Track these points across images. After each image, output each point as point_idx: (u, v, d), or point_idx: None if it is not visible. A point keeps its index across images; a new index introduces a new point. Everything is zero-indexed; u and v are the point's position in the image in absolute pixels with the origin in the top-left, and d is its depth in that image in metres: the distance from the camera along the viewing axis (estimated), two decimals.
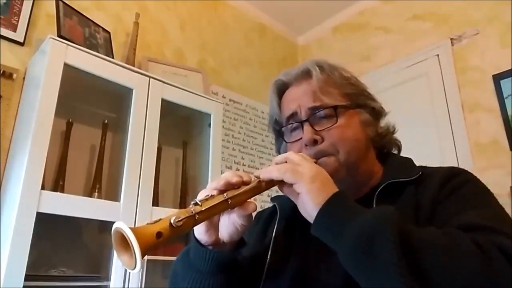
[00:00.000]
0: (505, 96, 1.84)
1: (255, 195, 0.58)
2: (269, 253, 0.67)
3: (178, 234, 0.48)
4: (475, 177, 0.64)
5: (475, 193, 0.60)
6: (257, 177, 0.58)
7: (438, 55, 2.16)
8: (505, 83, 1.85)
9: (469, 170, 0.67)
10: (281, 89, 0.77)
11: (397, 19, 2.42)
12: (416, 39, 2.29)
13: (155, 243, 0.45)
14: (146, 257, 1.41)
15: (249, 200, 0.58)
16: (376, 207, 0.60)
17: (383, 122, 0.76)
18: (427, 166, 0.70)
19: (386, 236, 0.45)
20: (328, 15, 2.80)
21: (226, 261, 0.60)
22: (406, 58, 2.31)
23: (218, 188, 0.56)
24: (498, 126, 1.84)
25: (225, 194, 0.54)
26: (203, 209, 0.51)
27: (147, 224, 0.47)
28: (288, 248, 0.69)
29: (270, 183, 0.58)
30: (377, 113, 0.74)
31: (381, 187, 0.64)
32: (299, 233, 0.69)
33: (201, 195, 0.55)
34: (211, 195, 0.54)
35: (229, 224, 0.59)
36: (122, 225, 0.45)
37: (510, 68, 1.84)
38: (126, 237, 0.44)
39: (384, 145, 0.76)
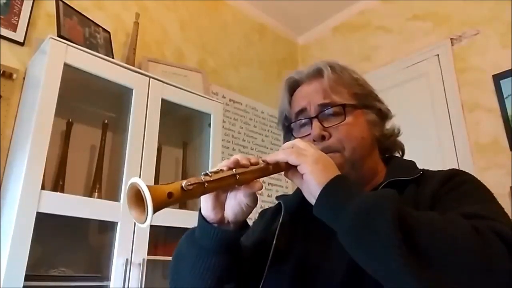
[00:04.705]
0: (505, 96, 1.84)
1: (262, 176, 0.61)
2: (275, 238, 0.69)
3: (187, 198, 0.52)
4: (475, 177, 0.66)
5: (474, 191, 0.62)
6: (264, 161, 0.61)
7: (438, 55, 2.16)
8: (505, 83, 1.85)
9: (469, 170, 0.68)
10: (293, 86, 0.80)
11: (397, 19, 2.42)
12: (416, 39, 2.29)
13: (166, 201, 0.49)
14: (146, 257, 1.42)
15: (255, 180, 0.60)
16: (376, 190, 0.63)
17: (388, 124, 0.79)
18: (429, 169, 0.72)
19: (384, 212, 0.47)
20: (328, 15, 2.80)
21: (230, 240, 0.62)
22: (406, 58, 2.31)
23: (228, 165, 0.58)
24: (498, 126, 1.84)
25: (233, 170, 0.57)
26: (212, 179, 0.54)
27: (160, 184, 0.51)
28: (292, 237, 0.71)
29: (277, 167, 0.61)
30: (383, 114, 0.77)
31: (383, 184, 0.66)
32: (303, 226, 0.72)
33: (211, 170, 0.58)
34: (221, 169, 0.57)
35: (235, 204, 0.61)
36: (138, 181, 0.48)
37: (510, 68, 1.84)
38: (141, 192, 0.47)
39: (388, 146, 0.79)
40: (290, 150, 0.60)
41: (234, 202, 0.62)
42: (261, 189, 0.60)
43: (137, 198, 0.49)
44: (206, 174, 0.54)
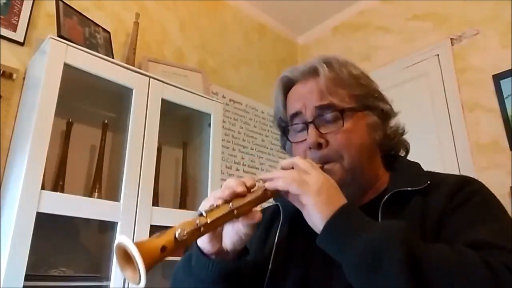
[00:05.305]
0: (505, 96, 1.84)
1: (261, 203, 0.57)
2: (271, 260, 0.66)
3: (182, 247, 0.48)
4: (485, 187, 0.63)
5: (483, 206, 0.59)
6: (262, 180, 0.57)
7: (438, 55, 2.16)
8: (505, 83, 1.85)
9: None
10: (287, 85, 0.74)
11: (397, 19, 2.42)
12: (416, 39, 2.29)
13: (160, 257, 0.45)
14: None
15: (254, 209, 0.57)
16: (384, 221, 0.59)
17: (392, 123, 0.74)
18: (435, 172, 0.68)
19: (393, 254, 0.45)
20: (328, 15, 2.80)
21: (228, 271, 0.59)
22: (406, 58, 2.31)
23: (223, 197, 0.55)
24: (498, 126, 1.84)
25: (230, 204, 0.53)
26: (208, 221, 0.50)
27: (151, 238, 0.46)
28: (291, 254, 0.67)
29: (276, 191, 0.57)
30: (386, 115, 0.72)
31: (387, 195, 0.62)
32: (303, 237, 0.67)
33: (205, 205, 0.54)
34: (216, 205, 0.53)
35: (233, 234, 0.58)
36: (125, 240, 0.43)
37: (510, 68, 1.84)
38: (130, 253, 0.43)
39: (391, 147, 0.75)
40: (291, 177, 0.55)
41: (232, 232, 0.58)
42: (261, 219, 0.57)
43: (126, 256, 0.44)
44: (201, 214, 0.51)
